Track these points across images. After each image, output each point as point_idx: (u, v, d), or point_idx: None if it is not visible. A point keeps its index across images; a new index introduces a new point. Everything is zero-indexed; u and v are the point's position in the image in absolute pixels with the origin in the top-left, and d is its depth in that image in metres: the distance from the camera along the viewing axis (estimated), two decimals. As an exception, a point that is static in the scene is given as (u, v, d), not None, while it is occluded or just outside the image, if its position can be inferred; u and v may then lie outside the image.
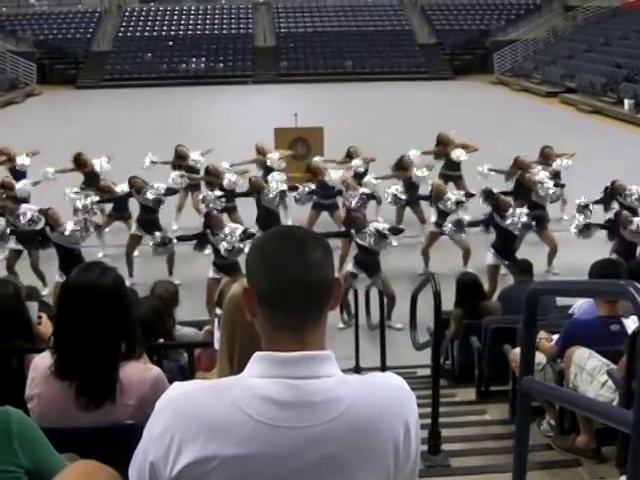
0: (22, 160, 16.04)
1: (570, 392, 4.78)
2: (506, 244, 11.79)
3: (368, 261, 11.40)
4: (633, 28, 38.28)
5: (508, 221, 11.73)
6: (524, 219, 11.81)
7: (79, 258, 11.49)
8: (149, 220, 13.29)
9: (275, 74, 44.90)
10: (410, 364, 9.15)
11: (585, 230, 12.40)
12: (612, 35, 39.88)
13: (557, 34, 46.98)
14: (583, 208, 12.98)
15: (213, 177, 14.76)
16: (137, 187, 13.47)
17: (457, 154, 15.96)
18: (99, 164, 15.75)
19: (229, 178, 14.42)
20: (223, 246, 11.23)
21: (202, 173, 15.57)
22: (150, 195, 13.29)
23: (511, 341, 6.43)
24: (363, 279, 11.41)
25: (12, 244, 13.06)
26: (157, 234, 12.41)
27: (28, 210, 12.54)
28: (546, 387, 4.13)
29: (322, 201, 14.65)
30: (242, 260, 11.20)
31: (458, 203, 13.20)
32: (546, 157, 15.54)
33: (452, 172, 15.95)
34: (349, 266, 11.67)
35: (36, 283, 11.14)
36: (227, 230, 11.43)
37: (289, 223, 13.88)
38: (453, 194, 13.52)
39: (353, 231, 11.52)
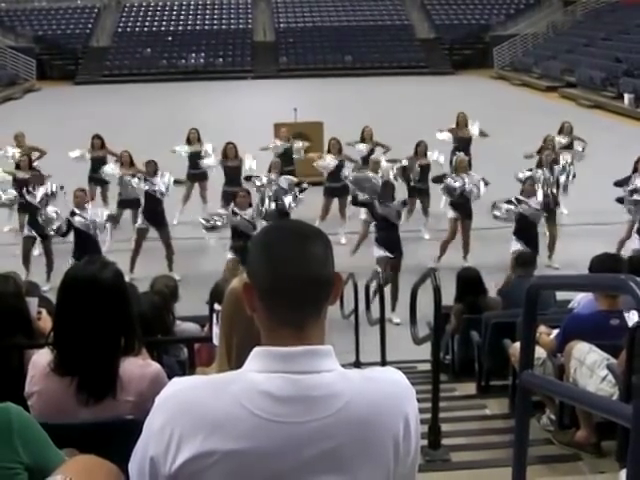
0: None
1: (570, 386, 4.78)
2: (526, 231, 11.88)
3: (390, 238, 11.63)
4: (633, 22, 38.26)
5: (524, 206, 11.87)
6: (535, 205, 11.94)
7: (95, 245, 11.59)
8: (155, 212, 13.29)
9: (274, 69, 44.89)
10: (410, 359, 9.15)
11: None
12: (612, 29, 39.86)
13: (557, 29, 46.98)
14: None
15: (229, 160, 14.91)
16: (150, 171, 13.49)
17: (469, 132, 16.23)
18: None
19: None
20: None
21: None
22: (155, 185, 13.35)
23: (511, 336, 6.43)
24: (362, 273, 11.43)
25: (26, 231, 13.10)
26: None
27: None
28: (546, 381, 4.12)
29: (332, 185, 14.76)
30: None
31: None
32: (564, 133, 15.78)
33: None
34: (374, 250, 11.89)
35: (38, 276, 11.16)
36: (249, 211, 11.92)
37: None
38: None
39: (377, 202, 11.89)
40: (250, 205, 12.20)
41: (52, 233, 12.23)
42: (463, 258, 13.11)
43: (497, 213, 12.37)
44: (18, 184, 13.81)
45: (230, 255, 11.69)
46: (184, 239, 14.34)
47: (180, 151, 16.30)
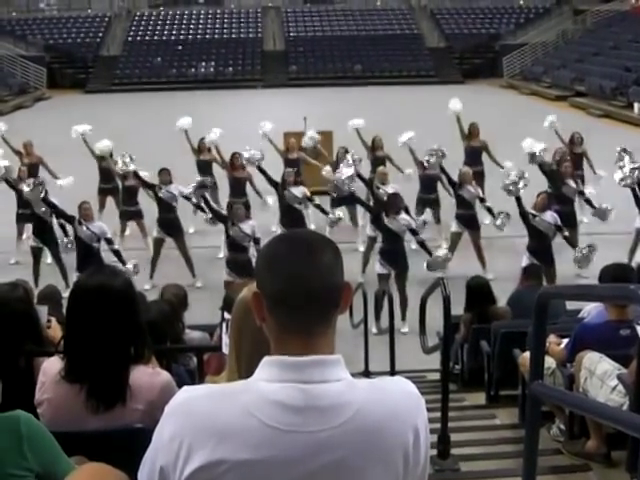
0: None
1: (580, 396, 4.77)
2: (539, 245, 11.77)
3: (395, 251, 11.58)
4: (643, 32, 38.24)
5: (538, 220, 11.75)
6: (548, 219, 11.82)
7: (98, 256, 11.63)
8: (169, 220, 13.35)
9: (284, 78, 44.94)
10: (419, 368, 9.14)
11: None
12: (621, 39, 39.81)
13: (566, 38, 46.92)
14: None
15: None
16: (163, 180, 13.53)
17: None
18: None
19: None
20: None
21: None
22: (169, 192, 13.37)
23: (521, 345, 6.42)
24: (372, 283, 11.43)
25: (31, 241, 13.21)
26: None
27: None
28: (556, 391, 4.12)
29: (339, 195, 14.72)
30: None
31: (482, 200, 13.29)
32: (575, 144, 15.65)
33: (473, 167, 15.37)
34: (376, 267, 11.75)
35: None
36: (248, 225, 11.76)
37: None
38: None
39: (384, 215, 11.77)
40: (247, 217, 12.21)
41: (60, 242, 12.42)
42: (483, 270, 12.95)
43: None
44: (18, 194, 13.85)
45: (226, 273, 11.71)
46: (194, 248, 14.36)
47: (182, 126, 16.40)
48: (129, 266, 11.68)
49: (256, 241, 11.61)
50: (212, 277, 12.70)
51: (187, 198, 13.22)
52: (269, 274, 1.85)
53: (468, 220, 13.24)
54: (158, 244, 13.47)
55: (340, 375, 1.84)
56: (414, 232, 11.85)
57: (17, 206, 14.14)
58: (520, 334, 6.44)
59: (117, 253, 12.07)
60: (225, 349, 3.01)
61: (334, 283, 1.86)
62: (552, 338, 5.82)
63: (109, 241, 12.01)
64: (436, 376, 8.24)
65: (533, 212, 11.93)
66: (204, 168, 16.09)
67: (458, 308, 8.06)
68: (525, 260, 11.71)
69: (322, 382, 1.81)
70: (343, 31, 48.76)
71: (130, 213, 14.66)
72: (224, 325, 3.29)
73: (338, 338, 1.91)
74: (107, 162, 15.45)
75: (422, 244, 12.08)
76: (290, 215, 13.28)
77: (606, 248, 12.80)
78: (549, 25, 48.52)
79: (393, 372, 7.86)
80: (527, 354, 5.37)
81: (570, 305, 8.04)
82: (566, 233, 12.13)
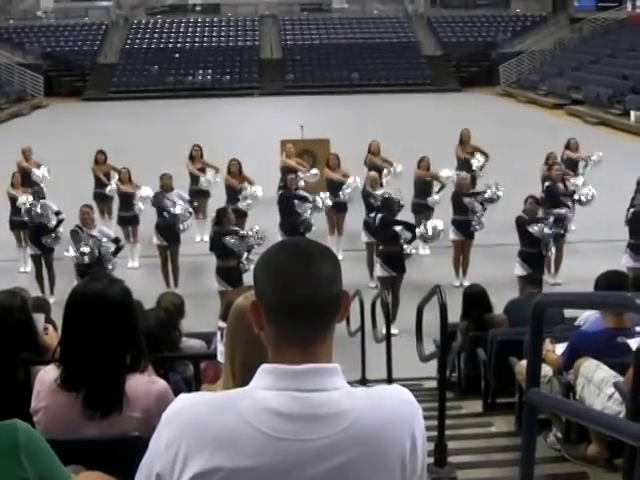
0: (40, 172, 15.94)
1: (576, 404, 4.77)
2: (532, 251, 11.74)
3: (393, 254, 11.65)
4: (639, 40, 38.26)
5: (535, 228, 11.69)
6: (550, 225, 11.76)
7: (100, 261, 11.62)
8: (167, 226, 13.28)
9: (281, 86, 44.98)
10: (416, 376, 9.13)
11: None
12: (618, 47, 39.92)
13: (563, 46, 47.02)
14: None
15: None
16: (165, 186, 13.50)
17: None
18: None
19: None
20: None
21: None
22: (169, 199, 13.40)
23: (517, 353, 6.41)
24: (368, 291, 11.43)
25: (29, 250, 13.20)
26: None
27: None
28: (552, 399, 4.11)
29: (333, 199, 14.68)
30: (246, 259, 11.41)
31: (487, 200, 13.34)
32: (571, 149, 15.75)
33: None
34: (377, 270, 11.85)
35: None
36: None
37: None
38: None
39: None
40: (237, 223, 12.11)
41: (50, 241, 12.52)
42: (462, 276, 13.11)
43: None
44: (12, 202, 13.88)
45: (217, 282, 11.62)
46: (192, 256, 14.35)
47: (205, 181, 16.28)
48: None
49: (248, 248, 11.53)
50: (210, 286, 12.70)
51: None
52: (268, 283, 1.85)
53: (464, 226, 13.20)
54: (162, 252, 13.41)
55: (338, 384, 1.84)
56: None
57: (10, 214, 14.10)
58: (517, 342, 6.43)
59: (118, 250, 12.01)
60: (220, 357, 3.01)
61: (333, 293, 1.86)
62: (547, 345, 5.82)
63: (116, 240, 12.00)
64: (433, 384, 8.24)
65: (526, 216, 11.88)
66: (196, 177, 16.15)
67: (455, 316, 8.06)
68: (519, 268, 11.71)
69: (320, 390, 1.81)
70: (340, 39, 48.85)
71: (127, 219, 14.67)
72: (219, 333, 3.28)
73: (335, 346, 1.91)
74: (107, 166, 15.61)
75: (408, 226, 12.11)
76: (290, 222, 13.19)
77: (595, 256, 12.85)
78: (546, 33, 48.63)
79: (390, 380, 7.85)
80: (524, 362, 5.36)
81: (567, 312, 8.05)
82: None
